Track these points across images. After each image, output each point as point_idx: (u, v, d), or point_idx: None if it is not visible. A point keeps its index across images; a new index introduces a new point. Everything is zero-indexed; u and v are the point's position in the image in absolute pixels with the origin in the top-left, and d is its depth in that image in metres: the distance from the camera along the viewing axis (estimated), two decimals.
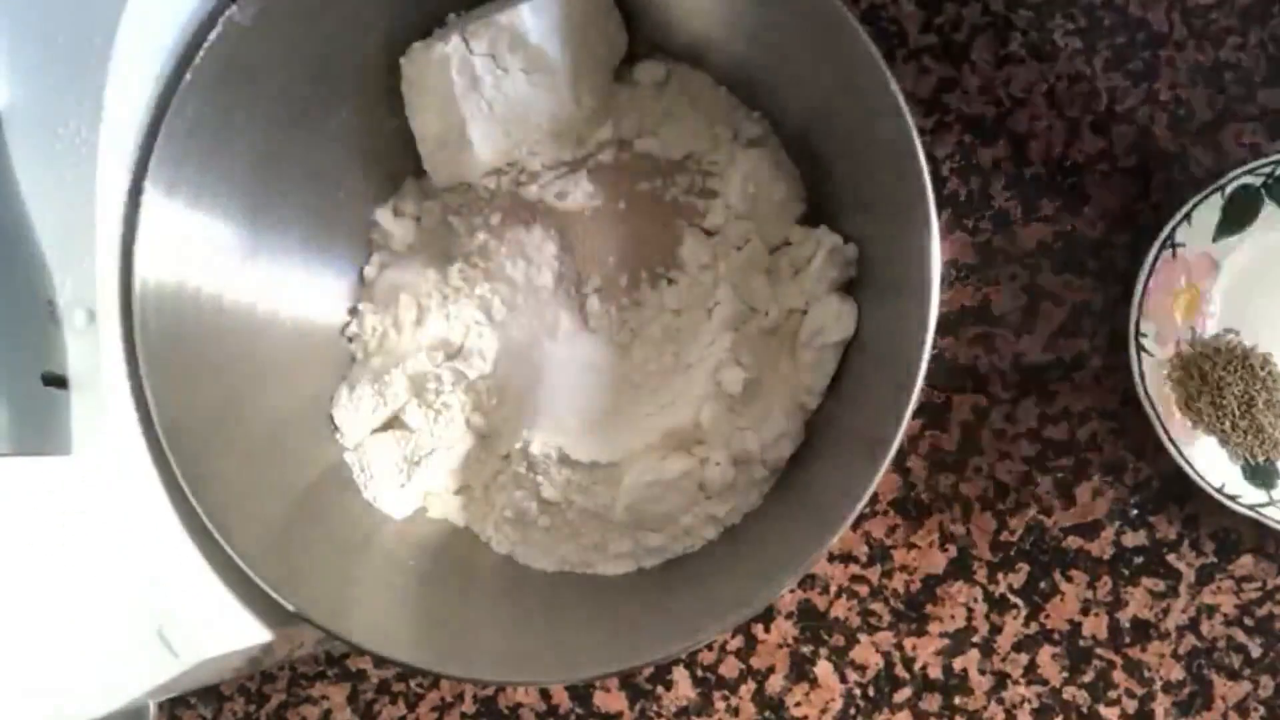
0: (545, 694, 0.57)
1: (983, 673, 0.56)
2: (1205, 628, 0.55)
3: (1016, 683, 0.56)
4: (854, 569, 0.56)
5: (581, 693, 0.57)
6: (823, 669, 0.57)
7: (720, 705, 0.57)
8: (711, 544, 0.49)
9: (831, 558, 0.56)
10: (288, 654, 0.52)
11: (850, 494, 0.43)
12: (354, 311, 0.54)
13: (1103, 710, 0.56)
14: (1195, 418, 0.54)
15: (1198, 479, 0.53)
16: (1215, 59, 0.56)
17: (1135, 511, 0.56)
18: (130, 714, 0.44)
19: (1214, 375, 0.53)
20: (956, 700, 0.56)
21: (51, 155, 0.44)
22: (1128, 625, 0.56)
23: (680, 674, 0.57)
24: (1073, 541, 0.56)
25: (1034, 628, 0.56)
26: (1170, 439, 0.54)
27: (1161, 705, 0.55)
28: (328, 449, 0.51)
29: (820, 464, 0.48)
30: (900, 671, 0.56)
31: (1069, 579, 0.56)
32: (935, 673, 0.56)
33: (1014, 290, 0.56)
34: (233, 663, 0.47)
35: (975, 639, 0.56)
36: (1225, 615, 0.55)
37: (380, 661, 0.57)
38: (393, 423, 0.52)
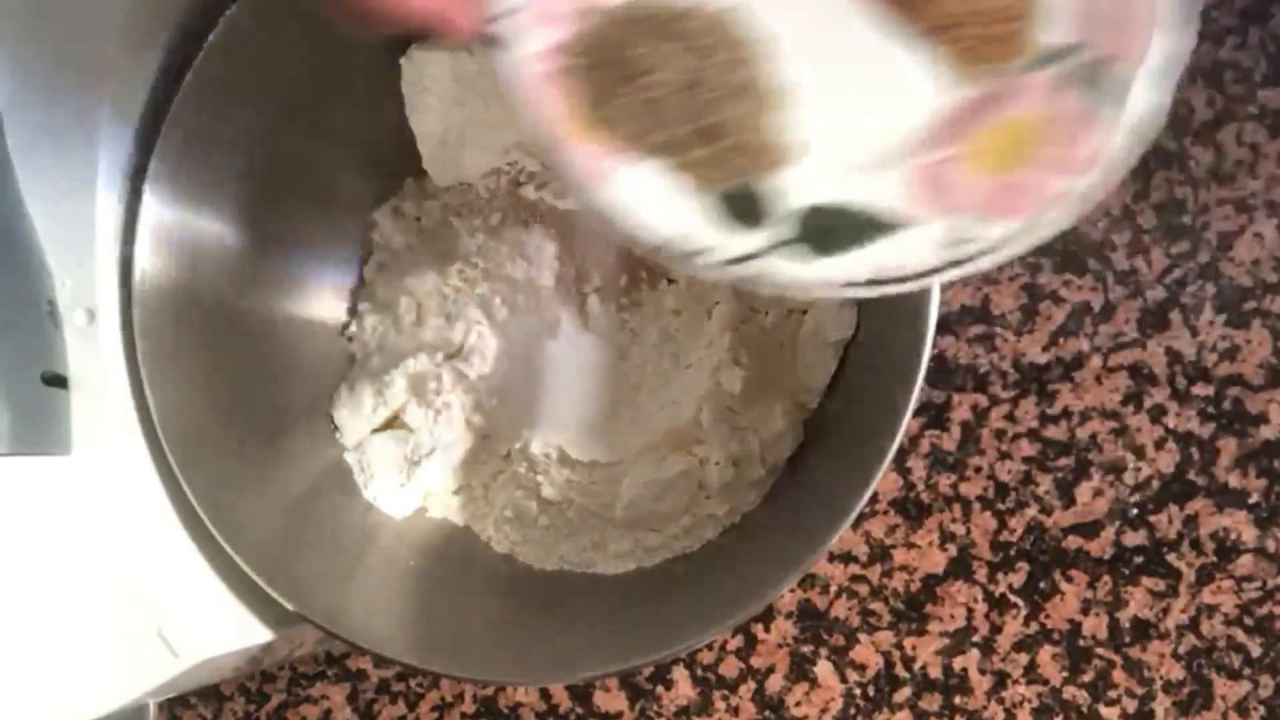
0: (545, 694, 0.57)
1: (983, 672, 0.56)
2: (1205, 628, 0.55)
3: (1016, 682, 0.56)
4: (854, 569, 0.56)
5: (581, 693, 0.57)
6: (823, 669, 0.57)
7: (720, 705, 0.57)
8: (711, 544, 0.49)
9: (831, 558, 0.56)
10: (288, 654, 0.52)
11: (850, 494, 0.43)
12: (354, 311, 0.54)
13: (1103, 710, 0.56)
14: (614, 134, 0.33)
15: (631, 234, 0.32)
16: (1215, 59, 0.56)
17: (1135, 511, 0.56)
18: (130, 714, 0.44)
19: (633, 57, 0.33)
20: (956, 700, 0.56)
21: (51, 155, 0.44)
22: (1128, 625, 0.56)
23: (680, 674, 0.57)
24: (1073, 541, 0.56)
25: (1034, 627, 0.56)
26: (575, 179, 0.32)
27: (1161, 705, 0.55)
28: (328, 449, 0.51)
29: (820, 464, 0.48)
30: (900, 671, 0.56)
31: (1069, 579, 0.56)
32: (935, 673, 0.56)
33: (1014, 290, 0.56)
34: (233, 663, 0.47)
35: (975, 639, 0.56)
36: (1225, 615, 0.55)
37: (380, 661, 0.57)
38: (393, 423, 0.52)
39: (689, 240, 0.32)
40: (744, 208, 0.33)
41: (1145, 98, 0.31)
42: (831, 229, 0.32)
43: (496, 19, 0.32)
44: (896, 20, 0.33)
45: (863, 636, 0.56)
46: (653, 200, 0.32)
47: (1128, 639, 0.56)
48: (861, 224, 0.32)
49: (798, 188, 0.33)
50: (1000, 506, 0.56)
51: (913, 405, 0.42)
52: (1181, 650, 0.55)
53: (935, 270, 0.32)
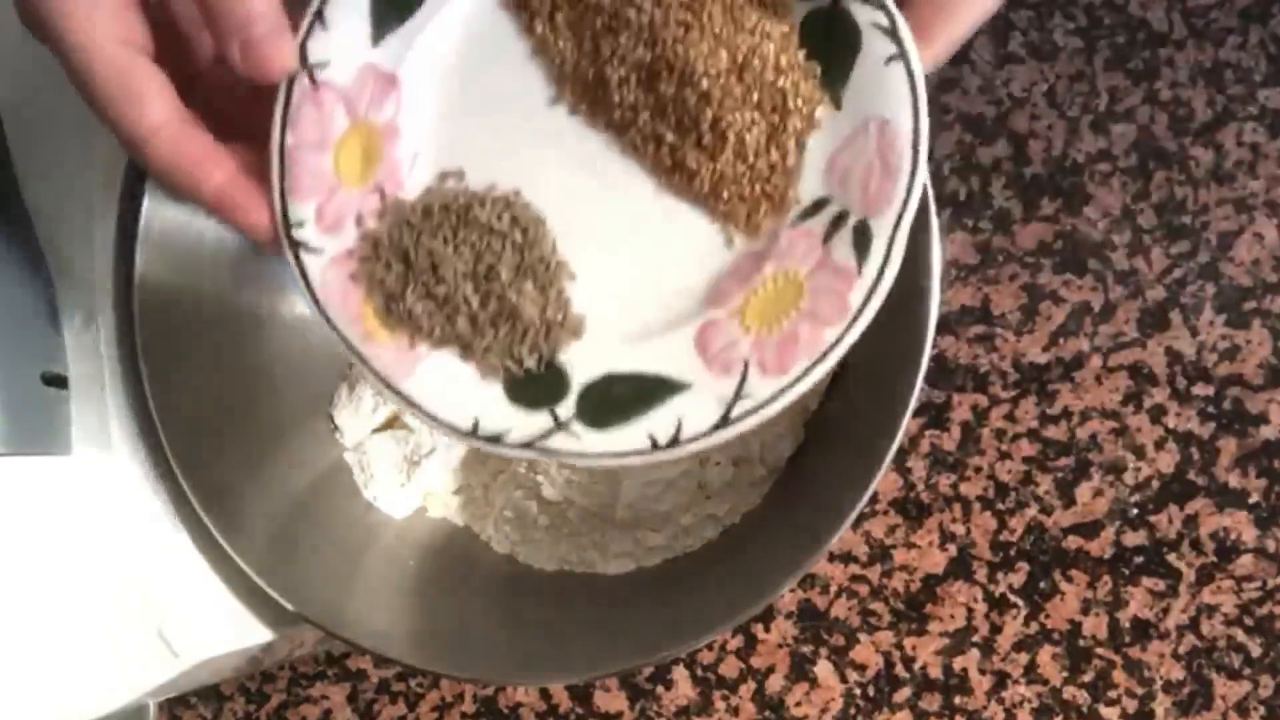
0: (545, 694, 0.57)
1: (983, 673, 0.56)
2: (1205, 628, 0.55)
3: (1016, 683, 0.56)
4: (854, 569, 0.56)
5: (581, 693, 0.57)
6: (823, 669, 0.57)
7: (720, 705, 0.57)
8: (711, 544, 0.49)
9: (831, 558, 0.56)
10: (288, 654, 0.52)
11: (850, 494, 0.43)
12: None
13: (1103, 710, 0.56)
14: (408, 326, 0.35)
15: (434, 424, 0.35)
16: (1215, 59, 0.56)
17: (1135, 511, 0.56)
18: (130, 714, 0.44)
19: (421, 251, 0.34)
20: (956, 700, 0.56)
21: (51, 155, 0.44)
22: (1128, 625, 0.56)
23: (680, 674, 0.57)
24: (1073, 541, 0.56)
25: (1034, 628, 0.56)
26: (378, 374, 0.34)
27: (1161, 705, 0.55)
28: (328, 449, 0.51)
29: (820, 464, 0.48)
30: (900, 671, 0.56)
31: (1069, 579, 0.56)
32: (935, 673, 0.56)
33: (1014, 290, 0.56)
34: (233, 663, 0.47)
35: (975, 639, 0.56)
36: (1225, 615, 0.55)
37: (380, 661, 0.57)
38: (393, 422, 0.52)
39: (485, 426, 0.34)
40: (528, 391, 0.35)
41: (893, 246, 0.32)
42: (614, 400, 0.34)
43: (292, 228, 0.34)
44: (675, 185, 0.35)
45: (863, 636, 0.56)
46: (450, 390, 0.35)
47: (1128, 639, 0.56)
48: (643, 392, 0.34)
49: (580, 364, 0.35)
50: (1000, 506, 0.56)
51: (913, 405, 0.42)
52: (1181, 650, 0.55)
53: (717, 428, 0.33)
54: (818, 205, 0.34)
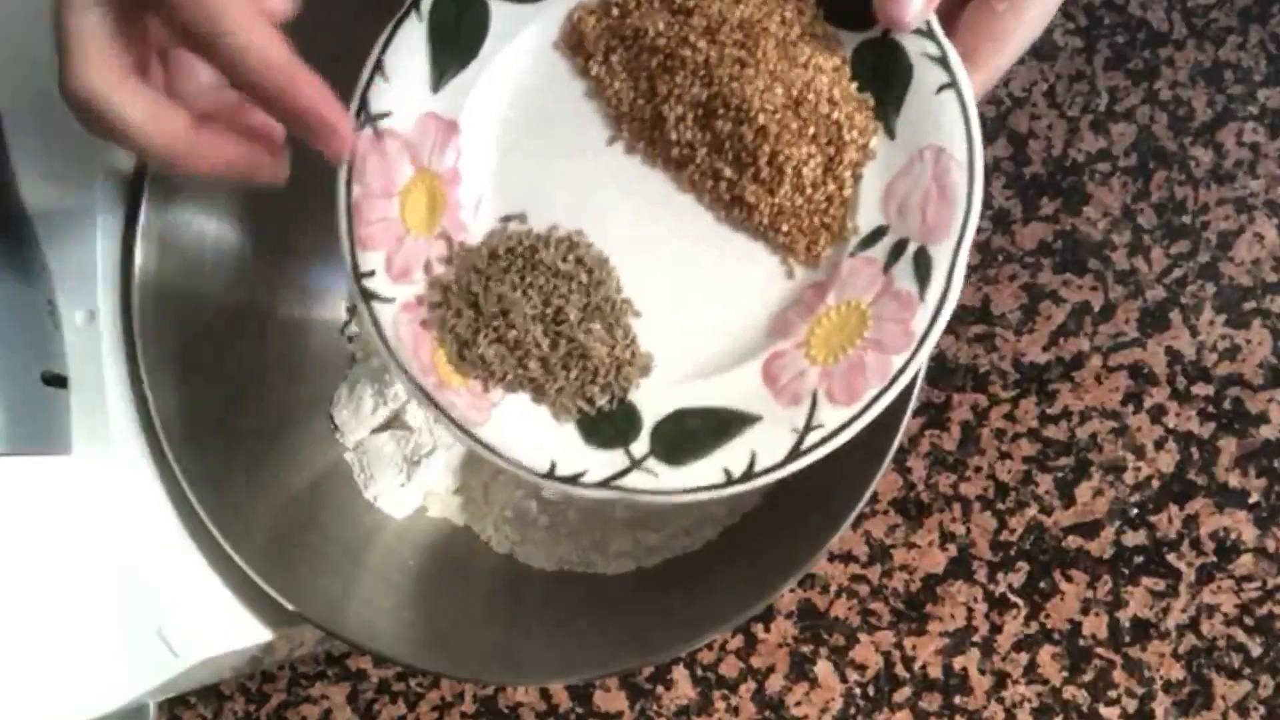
0: (545, 694, 0.57)
1: (983, 672, 0.56)
2: (1205, 627, 0.55)
3: (1016, 682, 0.56)
4: (854, 568, 0.56)
5: (581, 693, 0.57)
6: (823, 669, 0.57)
7: (720, 705, 0.57)
8: (711, 544, 0.49)
9: (831, 557, 0.56)
10: (288, 654, 0.52)
11: (850, 494, 0.43)
12: (354, 311, 0.54)
13: (1103, 710, 0.56)
14: (481, 371, 0.35)
15: (513, 468, 0.35)
16: (1215, 59, 0.56)
17: (1135, 511, 0.56)
18: (130, 714, 0.44)
19: (490, 296, 0.35)
20: (956, 700, 0.56)
21: (51, 155, 0.44)
22: (1128, 625, 0.56)
23: (680, 674, 0.57)
24: (1073, 541, 0.56)
25: (1034, 627, 0.56)
26: (455, 421, 0.35)
27: (1161, 705, 0.55)
28: (328, 449, 0.51)
29: (820, 464, 0.48)
30: (900, 671, 0.56)
31: (1069, 579, 0.56)
32: (935, 672, 0.56)
33: (1014, 290, 0.56)
34: (233, 663, 0.47)
35: (975, 639, 0.56)
36: (1225, 615, 0.55)
37: (380, 661, 0.57)
38: (393, 422, 0.52)
39: (562, 467, 0.35)
40: (602, 430, 0.35)
41: (954, 272, 0.33)
42: (687, 435, 0.35)
43: (362, 278, 0.35)
44: (735, 220, 0.35)
45: (863, 636, 0.56)
46: (526, 433, 0.35)
47: (1128, 639, 0.56)
48: (715, 426, 0.34)
49: (650, 401, 0.35)
50: (1000, 506, 0.56)
51: (913, 405, 0.42)
52: (1181, 650, 0.55)
53: (790, 459, 0.34)
54: (876, 234, 0.34)
